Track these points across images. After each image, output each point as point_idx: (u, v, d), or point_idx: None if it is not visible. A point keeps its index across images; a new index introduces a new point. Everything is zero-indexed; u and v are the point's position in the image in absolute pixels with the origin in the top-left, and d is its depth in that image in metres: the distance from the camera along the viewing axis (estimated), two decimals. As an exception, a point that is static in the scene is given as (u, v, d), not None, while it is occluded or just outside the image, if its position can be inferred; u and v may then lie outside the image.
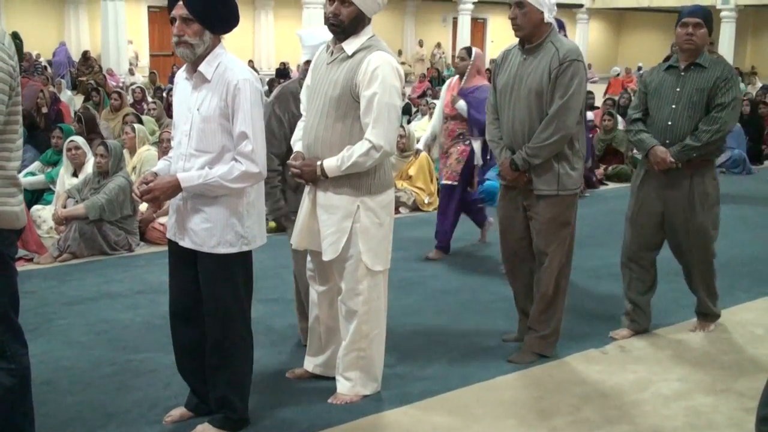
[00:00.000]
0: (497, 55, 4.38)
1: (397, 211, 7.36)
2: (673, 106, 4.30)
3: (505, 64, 4.08)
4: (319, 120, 3.44)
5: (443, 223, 6.31)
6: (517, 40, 4.04)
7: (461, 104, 6.02)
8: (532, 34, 3.90)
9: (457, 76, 6.24)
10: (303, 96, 3.68)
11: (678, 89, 4.30)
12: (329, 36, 3.51)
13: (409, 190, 8.04)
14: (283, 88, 4.12)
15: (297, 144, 3.60)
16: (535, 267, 4.13)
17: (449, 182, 6.21)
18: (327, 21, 3.40)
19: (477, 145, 6.09)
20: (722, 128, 4.21)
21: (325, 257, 3.47)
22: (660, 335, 4.58)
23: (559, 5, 4.02)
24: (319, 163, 3.39)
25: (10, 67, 2.68)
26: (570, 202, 4.03)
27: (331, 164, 3.37)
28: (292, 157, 3.58)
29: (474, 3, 26.16)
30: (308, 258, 3.72)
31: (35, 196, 7.22)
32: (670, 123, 4.30)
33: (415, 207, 8.05)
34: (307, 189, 3.58)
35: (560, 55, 3.85)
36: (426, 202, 8.08)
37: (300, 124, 3.65)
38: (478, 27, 28.98)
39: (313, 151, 3.46)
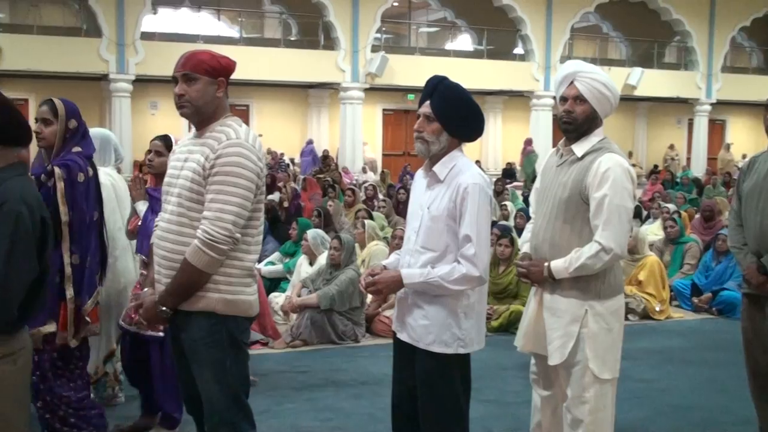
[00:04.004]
0: (743, 163, 4.17)
1: (625, 317, 7.02)
2: None
3: (753, 171, 3.91)
4: (548, 222, 3.41)
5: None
6: (761, 145, 3.83)
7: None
8: None
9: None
10: (532, 198, 3.69)
11: None
12: None
13: (639, 297, 7.67)
14: None
15: (524, 245, 3.59)
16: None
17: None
18: (560, 120, 3.41)
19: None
20: None
21: (551, 361, 3.38)
22: None
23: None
24: (546, 264, 3.34)
25: (259, 168, 2.95)
26: None
27: (558, 266, 3.31)
28: (518, 257, 3.57)
29: (712, 104, 25.04)
30: (532, 361, 3.64)
31: (273, 284, 7.73)
32: None
33: (645, 315, 7.65)
34: (532, 290, 3.53)
35: None
36: (657, 309, 7.65)
37: (528, 226, 3.65)
38: (716, 129, 27.67)
39: (540, 252, 3.42)
